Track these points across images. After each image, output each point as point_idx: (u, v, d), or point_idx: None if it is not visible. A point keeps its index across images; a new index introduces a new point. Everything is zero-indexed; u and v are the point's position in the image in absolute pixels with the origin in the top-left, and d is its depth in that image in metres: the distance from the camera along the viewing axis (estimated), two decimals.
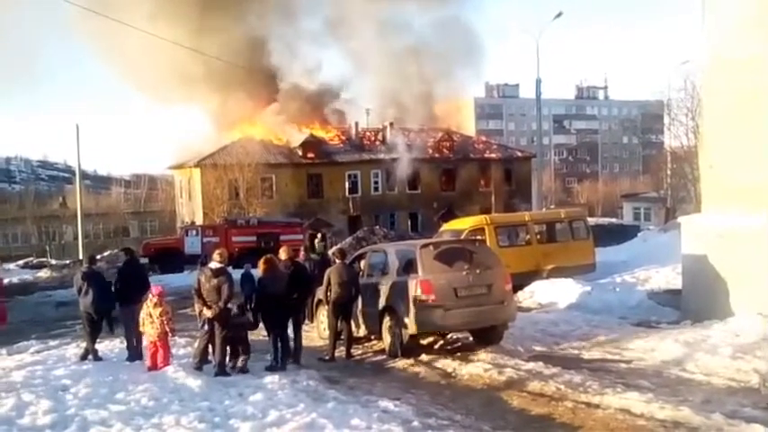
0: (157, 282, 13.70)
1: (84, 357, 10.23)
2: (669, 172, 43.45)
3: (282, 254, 11.03)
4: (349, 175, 48.54)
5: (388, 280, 10.80)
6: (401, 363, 10.00)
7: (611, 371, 8.71)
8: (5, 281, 12.94)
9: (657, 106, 48.83)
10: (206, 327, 9.33)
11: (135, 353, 10.31)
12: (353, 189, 48.58)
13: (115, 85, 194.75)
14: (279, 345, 9.79)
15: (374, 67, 56.27)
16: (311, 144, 47.92)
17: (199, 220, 40.82)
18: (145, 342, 9.73)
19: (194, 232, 33.15)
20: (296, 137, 48.44)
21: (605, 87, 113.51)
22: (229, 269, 9.74)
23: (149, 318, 9.35)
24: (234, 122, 49.54)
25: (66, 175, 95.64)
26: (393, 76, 55.38)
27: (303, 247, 17.55)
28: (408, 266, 10.60)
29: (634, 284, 16.32)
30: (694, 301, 12.17)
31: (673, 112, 37.96)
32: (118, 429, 6.42)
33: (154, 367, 9.27)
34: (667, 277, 16.38)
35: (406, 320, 10.13)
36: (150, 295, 9.57)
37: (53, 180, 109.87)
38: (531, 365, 9.00)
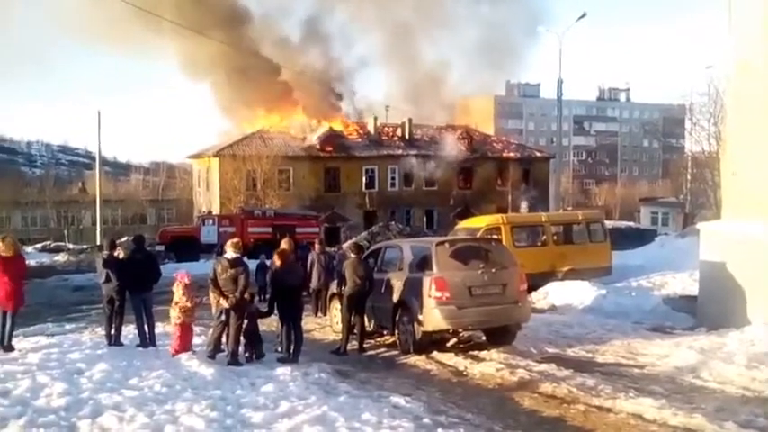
0: (174, 270, 13.78)
1: (113, 341, 10.36)
2: (689, 177, 42.98)
3: (284, 244, 11.09)
4: (366, 170, 48.53)
5: (403, 276, 10.79)
6: (413, 359, 10.00)
7: (625, 375, 8.65)
8: None
9: (679, 110, 48.27)
10: (222, 316, 9.38)
11: (147, 339, 10.44)
12: (370, 184, 48.57)
13: (136, 71, 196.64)
14: (292, 336, 9.84)
15: (395, 63, 56.46)
16: (329, 138, 47.97)
17: (216, 210, 41.10)
18: (171, 329, 9.90)
19: (211, 222, 33.38)
20: (314, 130, 48.65)
21: (627, 90, 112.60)
22: (244, 259, 9.79)
23: (175, 304, 9.55)
24: (252, 113, 49.95)
25: (86, 160, 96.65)
26: (413, 73, 55.48)
27: (319, 240, 17.58)
28: (423, 263, 10.59)
29: (650, 289, 16.21)
30: (710, 308, 12.06)
31: (695, 116, 37.45)
32: (131, 414, 6.44)
33: (181, 351, 9.43)
34: (684, 283, 16.26)
35: (420, 317, 10.12)
36: (177, 282, 9.71)
37: (73, 165, 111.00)
38: (543, 367, 8.96)
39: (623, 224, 46.12)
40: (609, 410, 7.10)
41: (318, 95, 51.37)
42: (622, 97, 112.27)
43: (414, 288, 10.38)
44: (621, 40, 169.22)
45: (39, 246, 40.36)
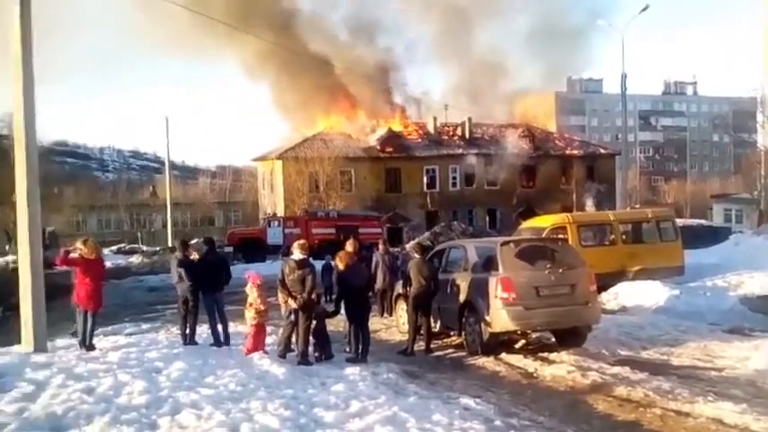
0: (242, 271, 14.15)
1: (188, 340, 10.69)
2: (763, 172, 41.15)
3: (349, 247, 11.20)
4: (427, 170, 48.49)
5: (468, 276, 10.76)
6: (481, 360, 9.95)
7: (702, 379, 8.38)
8: None
9: (750, 103, 46.32)
10: (291, 317, 9.56)
11: (220, 339, 10.72)
12: (431, 184, 48.50)
13: (201, 75, 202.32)
14: (360, 337, 9.94)
15: (453, 60, 56.12)
16: (390, 139, 48.15)
17: (280, 212, 41.82)
18: (243, 328, 10.17)
19: (276, 223, 34.03)
20: (374, 131, 48.94)
21: (694, 83, 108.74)
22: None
23: (249, 305, 9.80)
24: (309, 114, 50.64)
25: (156, 165, 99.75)
26: (470, 68, 55.09)
27: (382, 240, 17.66)
28: (488, 263, 10.53)
29: (726, 289, 15.63)
30: None
31: (767, 109, 35.82)
32: (208, 412, 6.60)
33: (254, 350, 9.65)
34: (761, 282, 15.64)
35: (487, 318, 10.06)
36: (250, 284, 9.96)
37: (143, 170, 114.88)
38: (616, 369, 8.77)
39: (695, 222, 44.53)
40: (687, 415, 6.90)
41: (372, 91, 51.46)
42: (689, 91, 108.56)
43: (479, 289, 10.33)
44: (686, 33, 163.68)
45: (114, 248, 41.95)
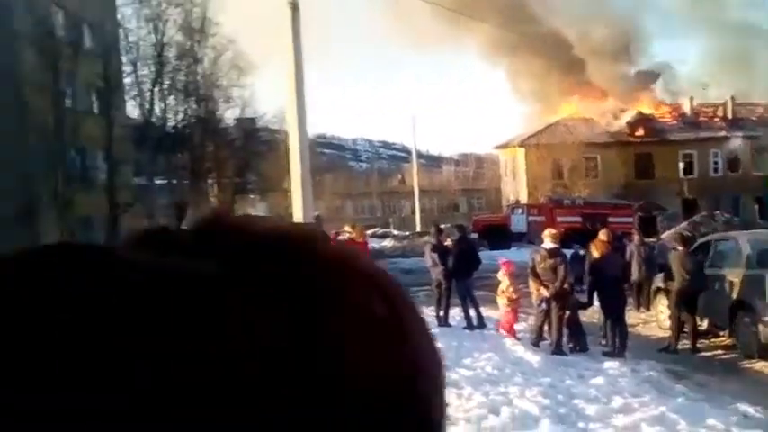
0: (488, 258, 14.38)
1: (442, 322, 11.25)
2: None
3: (603, 236, 10.74)
4: (683, 155, 44.66)
5: (741, 272, 9.81)
6: (759, 364, 9.00)
7: None
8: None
9: None
10: (543, 305, 9.54)
11: (472, 322, 11.06)
12: (688, 170, 44.59)
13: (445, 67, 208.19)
14: (616, 330, 9.60)
15: (706, 31, 50.93)
16: (639, 121, 45.23)
17: (523, 199, 41.54)
18: (495, 313, 10.44)
19: (520, 211, 33.86)
20: (620, 115, 46.34)
21: None
22: None
23: (501, 292, 10.05)
24: (549, 97, 49.40)
25: (403, 154, 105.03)
26: (730, 43, 49.39)
27: (637, 230, 16.71)
28: (766, 258, 9.50)
29: None
30: None
31: None
32: (468, 392, 6.86)
33: (505, 327, 9.90)
34: None
35: (765, 319, 9.08)
36: (503, 271, 10.19)
37: (392, 159, 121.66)
38: None
39: None
40: None
41: (614, 69, 48.48)
42: None
43: (756, 286, 9.36)
44: None
45: (369, 232, 45.10)
